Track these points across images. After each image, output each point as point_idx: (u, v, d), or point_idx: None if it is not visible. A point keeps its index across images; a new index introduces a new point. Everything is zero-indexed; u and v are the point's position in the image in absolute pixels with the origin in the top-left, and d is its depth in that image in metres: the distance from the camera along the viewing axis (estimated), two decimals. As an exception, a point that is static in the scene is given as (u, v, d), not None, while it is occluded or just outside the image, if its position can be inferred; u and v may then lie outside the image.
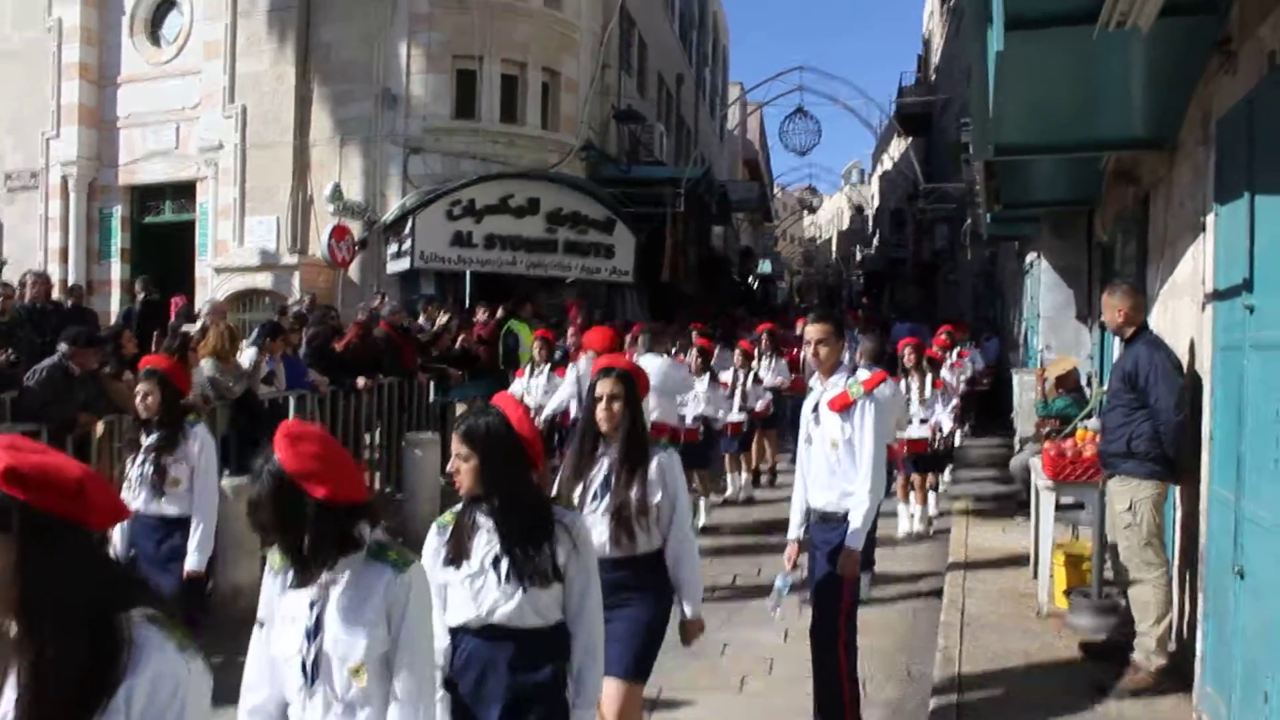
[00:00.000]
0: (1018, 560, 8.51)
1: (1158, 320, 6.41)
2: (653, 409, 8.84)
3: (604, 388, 4.12)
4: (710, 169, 21.55)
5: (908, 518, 9.86)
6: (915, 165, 24.15)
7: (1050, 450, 7.03)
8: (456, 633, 3.30)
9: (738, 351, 11.56)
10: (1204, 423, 5.28)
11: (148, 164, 20.29)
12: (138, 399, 5.64)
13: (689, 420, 9.91)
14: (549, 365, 10.81)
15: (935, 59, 36.44)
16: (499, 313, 14.44)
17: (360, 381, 10.84)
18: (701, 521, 10.07)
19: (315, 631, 2.81)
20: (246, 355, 9.81)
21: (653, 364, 8.83)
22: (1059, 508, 7.20)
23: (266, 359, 9.93)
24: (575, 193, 18.02)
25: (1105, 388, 7.68)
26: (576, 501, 4.08)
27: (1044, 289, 12.55)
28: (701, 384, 10.06)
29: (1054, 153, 6.93)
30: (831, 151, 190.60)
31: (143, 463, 5.49)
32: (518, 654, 3.23)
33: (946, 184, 22.00)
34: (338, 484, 2.76)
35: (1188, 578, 5.72)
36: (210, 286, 18.17)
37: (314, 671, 2.79)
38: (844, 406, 4.91)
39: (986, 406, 17.86)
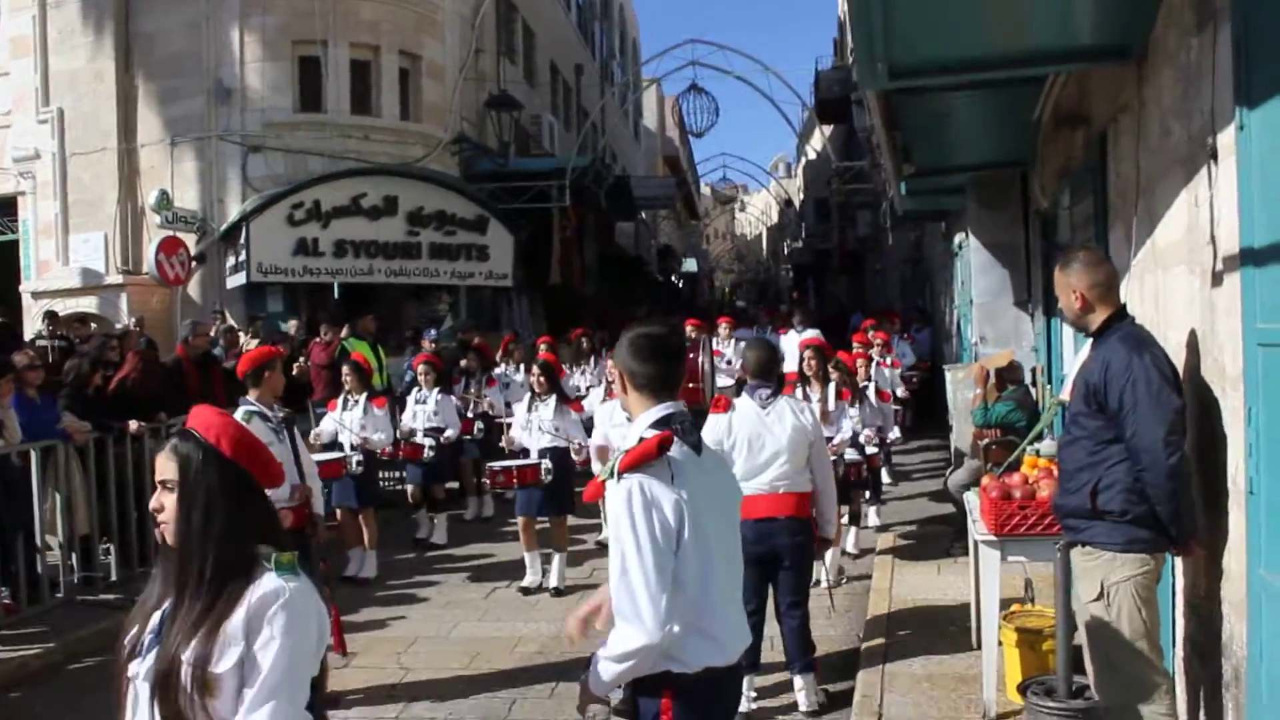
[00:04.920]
0: (956, 619, 6.55)
1: (1132, 303, 4.44)
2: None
3: (158, 468, 2.41)
4: (597, 159, 19.41)
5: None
6: (829, 150, 22.28)
7: (991, 490, 5.04)
8: None
9: (609, 365, 9.46)
10: (1230, 464, 3.32)
11: (-38, 179, 17.78)
12: None
13: (534, 455, 7.82)
14: (365, 395, 8.68)
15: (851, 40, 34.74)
16: (344, 331, 12.28)
17: (132, 425, 8.64)
18: (554, 582, 7.98)
19: None
20: (-42, 404, 7.62)
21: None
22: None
23: (-11, 406, 7.73)
24: (440, 189, 15.74)
25: (1059, 396, 5.73)
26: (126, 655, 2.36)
27: (975, 271, 10.64)
28: (546, 408, 7.95)
29: (971, 73, 4.93)
30: (758, 146, 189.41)
31: None
32: None
33: (858, 161, 20.15)
34: None
35: (1203, 694, 3.75)
36: (32, 314, 15.75)
37: None
38: (595, 497, 2.90)
39: (920, 406, 16.00)
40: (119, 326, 14.03)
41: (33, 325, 15.17)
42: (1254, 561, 3.11)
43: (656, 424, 2.88)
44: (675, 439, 2.81)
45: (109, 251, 16.04)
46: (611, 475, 2.77)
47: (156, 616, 2.39)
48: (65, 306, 15.55)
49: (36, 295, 15.87)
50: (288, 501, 5.86)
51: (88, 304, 15.49)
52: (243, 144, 15.38)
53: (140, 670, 2.32)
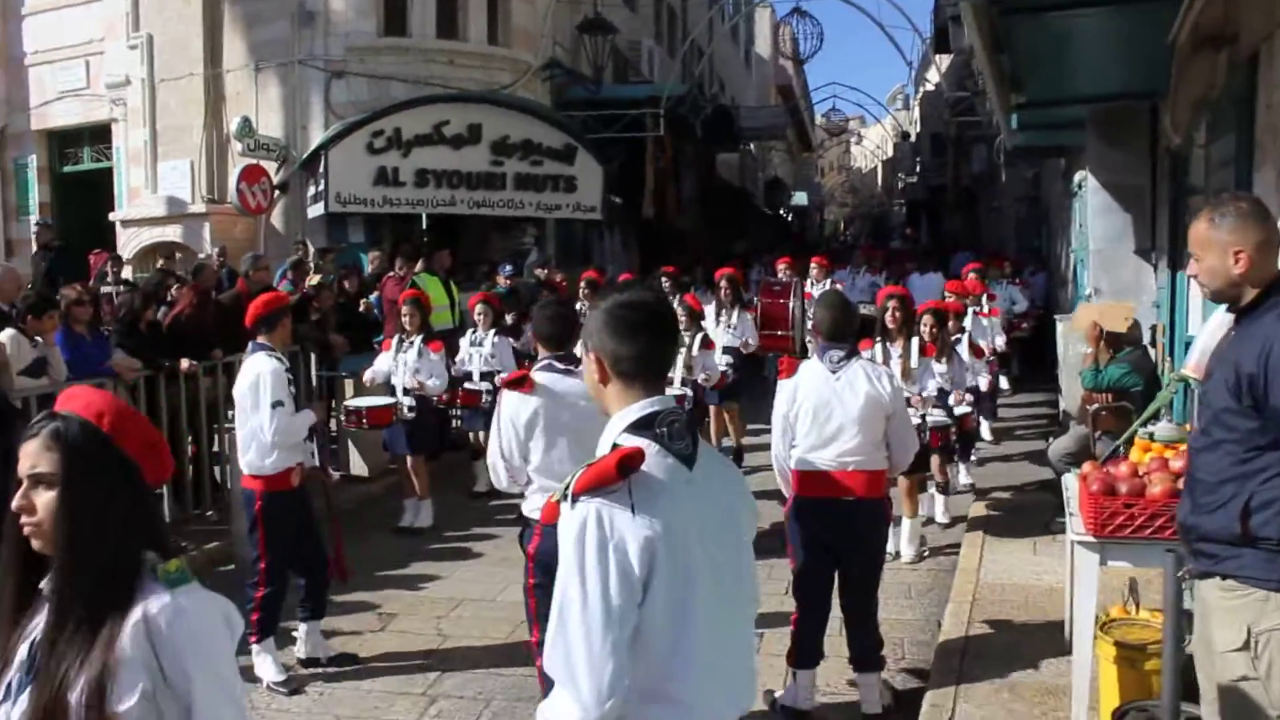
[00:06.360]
0: (1050, 610, 5.81)
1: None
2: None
3: (26, 458, 1.96)
4: (696, 87, 18.45)
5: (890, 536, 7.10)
6: (943, 81, 20.88)
7: (1091, 481, 4.25)
8: None
9: (680, 308, 8.76)
10: None
11: (60, 106, 17.74)
12: None
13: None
14: (421, 336, 8.19)
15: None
16: (419, 265, 11.83)
17: (184, 363, 8.32)
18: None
19: None
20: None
21: None
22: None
23: (31, 343, 7.44)
24: (526, 117, 15.08)
25: (1181, 371, 4.87)
26: None
27: (1093, 214, 9.61)
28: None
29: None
30: (876, 75, 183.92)
31: None
32: None
33: (964, 93, 18.77)
34: None
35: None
36: (121, 243, 15.72)
37: None
38: (551, 520, 2.25)
39: (1030, 355, 15.00)
40: (201, 256, 13.87)
41: (125, 253, 15.14)
42: None
43: (635, 426, 2.22)
44: (653, 451, 2.14)
45: (195, 179, 15.85)
46: (565, 496, 2.12)
47: (24, 649, 1.95)
48: (151, 235, 15.52)
49: (125, 224, 15.84)
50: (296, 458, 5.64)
51: (173, 233, 15.36)
52: (325, 69, 14.95)
53: (12, 710, 1.92)
